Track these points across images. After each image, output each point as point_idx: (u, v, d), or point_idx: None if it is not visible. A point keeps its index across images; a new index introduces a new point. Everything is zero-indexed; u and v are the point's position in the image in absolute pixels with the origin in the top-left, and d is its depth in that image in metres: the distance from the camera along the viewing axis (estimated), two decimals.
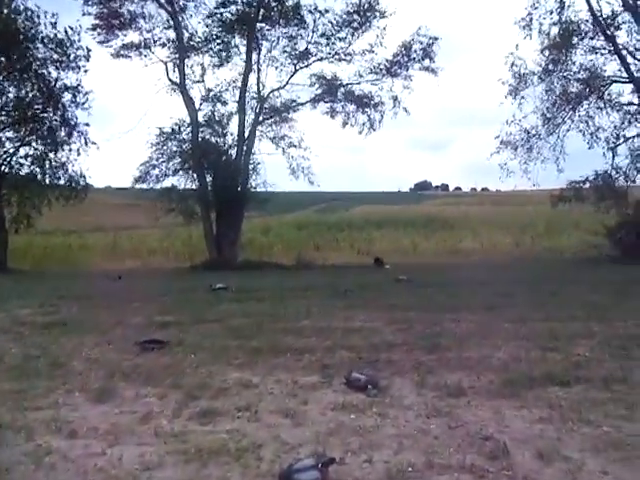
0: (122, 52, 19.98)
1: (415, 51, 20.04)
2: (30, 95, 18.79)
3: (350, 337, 5.88)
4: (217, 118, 19.94)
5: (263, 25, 19.87)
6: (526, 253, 22.13)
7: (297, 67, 20.39)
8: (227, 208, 19.02)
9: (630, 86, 19.64)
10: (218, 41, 19.93)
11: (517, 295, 9.10)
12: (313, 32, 19.81)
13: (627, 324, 6.37)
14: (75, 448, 3.08)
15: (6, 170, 19.02)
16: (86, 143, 19.09)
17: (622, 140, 19.87)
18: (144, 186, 19.59)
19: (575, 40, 19.39)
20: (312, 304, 8.26)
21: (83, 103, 18.94)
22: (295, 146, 20.57)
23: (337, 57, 20.24)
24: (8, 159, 19.11)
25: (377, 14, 19.49)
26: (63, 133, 19.08)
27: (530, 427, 3.28)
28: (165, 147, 19.47)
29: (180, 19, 19.90)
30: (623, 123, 19.90)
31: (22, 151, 19.33)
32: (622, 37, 19.23)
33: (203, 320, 7.10)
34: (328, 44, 20.07)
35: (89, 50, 18.74)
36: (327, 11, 19.36)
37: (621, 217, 19.32)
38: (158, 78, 20.44)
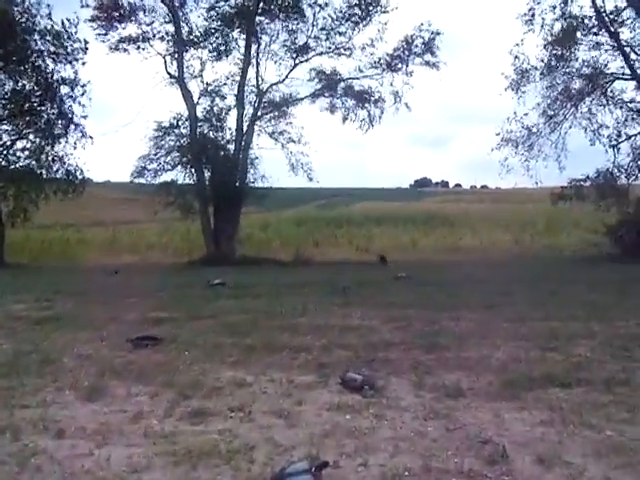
0: (120, 45, 19.85)
1: (416, 45, 19.92)
2: (27, 88, 18.67)
3: (347, 335, 5.79)
4: (215, 112, 19.80)
5: (262, 19, 19.77)
6: (526, 251, 22.02)
7: (296, 61, 20.29)
8: (225, 203, 18.93)
9: (633, 83, 19.55)
10: (217, 35, 19.79)
11: (516, 294, 9.03)
12: (313, 26, 19.74)
13: (628, 324, 6.29)
14: (62, 449, 2.99)
15: (3, 163, 18.90)
16: (83, 136, 19.03)
17: (624, 138, 19.79)
18: (142, 180, 19.50)
19: (578, 36, 19.25)
20: (309, 301, 8.19)
21: (81, 95, 18.88)
22: (294, 141, 20.46)
23: (337, 51, 20.14)
24: (5, 152, 19.00)
25: (379, 9, 19.37)
26: (60, 126, 18.96)
27: (530, 430, 3.20)
28: (163, 141, 19.37)
29: (180, 13, 19.76)
30: (626, 120, 19.82)
31: (19, 144, 19.28)
32: (626, 33, 19.18)
33: (198, 316, 7.03)
34: (328, 38, 19.99)
35: (87, 42, 18.67)
36: (327, 4, 19.29)
37: (622, 215, 19.23)
38: (156, 72, 20.38)
